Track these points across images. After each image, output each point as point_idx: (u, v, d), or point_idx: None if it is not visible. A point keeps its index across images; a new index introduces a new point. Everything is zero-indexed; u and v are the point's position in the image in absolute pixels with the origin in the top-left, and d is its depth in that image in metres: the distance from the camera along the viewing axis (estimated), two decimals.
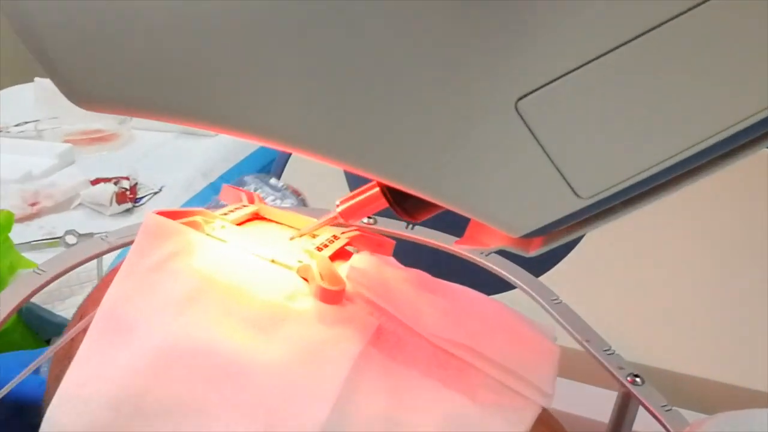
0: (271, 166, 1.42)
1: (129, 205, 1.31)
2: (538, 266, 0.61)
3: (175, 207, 1.41)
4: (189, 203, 1.32)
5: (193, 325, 0.40)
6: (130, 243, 0.45)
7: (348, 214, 0.46)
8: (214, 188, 1.38)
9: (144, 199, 1.34)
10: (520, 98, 0.30)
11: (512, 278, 0.65)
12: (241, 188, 0.55)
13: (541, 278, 0.67)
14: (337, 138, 0.32)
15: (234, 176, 1.42)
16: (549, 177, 0.32)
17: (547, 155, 0.31)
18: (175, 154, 1.52)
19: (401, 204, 0.41)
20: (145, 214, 0.45)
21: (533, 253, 0.36)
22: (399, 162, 0.32)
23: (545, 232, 0.34)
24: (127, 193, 1.30)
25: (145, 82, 0.31)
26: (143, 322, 0.40)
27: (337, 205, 0.46)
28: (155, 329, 0.40)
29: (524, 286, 0.63)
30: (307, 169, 1.21)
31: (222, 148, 1.49)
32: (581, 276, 0.89)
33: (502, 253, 0.51)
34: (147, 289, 0.42)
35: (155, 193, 1.36)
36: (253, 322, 0.41)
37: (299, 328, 0.41)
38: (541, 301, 0.58)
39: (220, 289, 0.42)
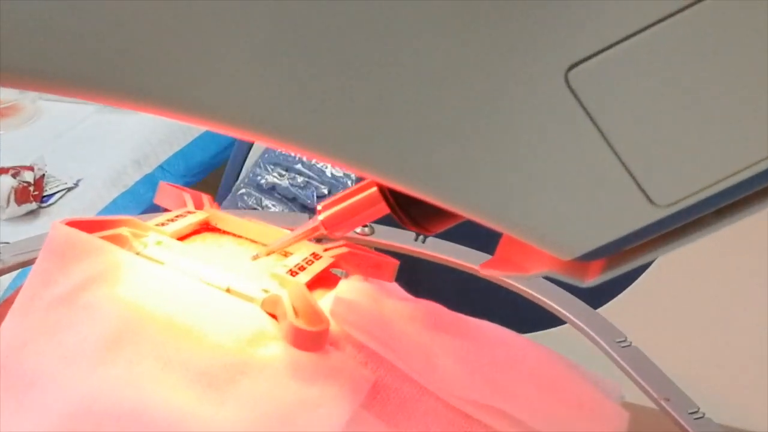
0: (228, 152, 1.42)
1: (33, 205, 1.30)
2: (595, 295, 0.60)
3: (96, 210, 1.42)
4: (117, 204, 1.32)
5: (116, 379, 0.40)
6: (32, 262, 0.46)
7: (333, 224, 0.45)
8: (150, 183, 1.38)
9: (54, 198, 1.34)
10: (571, 67, 0.30)
11: (562, 310, 0.65)
12: (183, 187, 0.55)
13: (601, 310, 0.66)
14: (331, 127, 0.32)
15: (180, 165, 1.43)
16: (614, 178, 0.32)
17: (611, 148, 0.31)
18: (97, 134, 1.52)
19: (408, 210, 0.41)
20: (52, 225, 0.45)
21: (590, 282, 0.37)
22: (412, 158, 0.32)
23: (608, 253, 0.34)
24: (31, 188, 1.30)
25: (56, 44, 0.31)
26: (48, 376, 0.40)
27: (318, 211, 0.46)
28: (65, 386, 0.40)
29: (578, 322, 0.63)
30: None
31: (162, 126, 1.50)
32: (654, 307, 0.89)
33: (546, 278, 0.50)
34: (53, 329, 0.42)
35: (69, 189, 1.35)
36: (201, 376, 0.41)
37: (264, 384, 0.41)
38: (602, 342, 0.58)
39: (154, 330, 0.42)
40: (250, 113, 0.32)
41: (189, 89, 0.32)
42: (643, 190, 0.32)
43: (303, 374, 0.42)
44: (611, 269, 0.36)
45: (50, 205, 1.34)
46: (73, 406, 0.39)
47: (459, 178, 0.33)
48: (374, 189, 0.43)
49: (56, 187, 1.37)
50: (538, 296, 0.67)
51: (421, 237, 0.67)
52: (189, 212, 0.54)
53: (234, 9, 0.30)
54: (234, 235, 0.54)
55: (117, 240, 0.47)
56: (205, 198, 0.55)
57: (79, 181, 1.38)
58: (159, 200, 0.56)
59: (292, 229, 0.51)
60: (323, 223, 0.46)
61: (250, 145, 1.26)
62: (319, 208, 0.46)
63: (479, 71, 0.31)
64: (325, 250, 0.52)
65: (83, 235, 0.45)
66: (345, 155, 0.33)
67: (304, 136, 0.32)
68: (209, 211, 0.55)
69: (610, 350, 0.54)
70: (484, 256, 0.69)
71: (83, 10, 0.30)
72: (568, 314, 0.64)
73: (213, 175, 1.49)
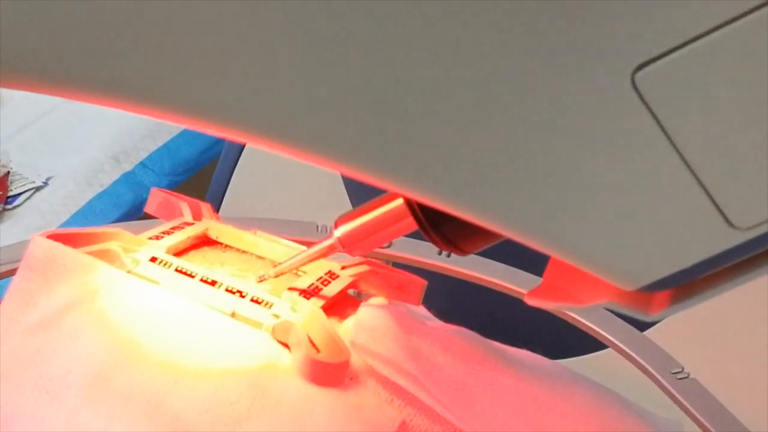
0: (219, 147, 1.42)
1: None
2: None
3: (68, 213, 1.41)
4: (92, 206, 1.32)
5: (105, 420, 0.40)
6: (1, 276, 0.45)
7: (352, 242, 0.45)
8: (131, 182, 1.38)
9: (20, 198, 1.33)
10: (638, 68, 0.30)
11: (605, 334, 0.65)
12: (179, 194, 0.54)
13: (649, 333, 0.66)
14: (353, 136, 0.32)
15: (164, 162, 1.42)
16: (687, 196, 0.32)
17: (684, 161, 0.31)
18: (69, 126, 1.52)
19: (440, 228, 0.40)
20: (31, 239, 0.45)
21: (655, 316, 0.36)
22: (451, 170, 0.32)
23: (676, 283, 0.34)
24: None
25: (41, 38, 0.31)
26: (27, 412, 0.40)
27: (335, 226, 0.45)
28: (46, 426, 0.40)
29: (625, 348, 0.63)
30: (275, 161, 1.21)
31: (144, 117, 1.49)
32: (713, 330, 0.89)
33: None
34: (32, 359, 0.42)
35: (38, 189, 1.35)
36: (202, 415, 0.41)
37: (275, 426, 0.41)
38: (654, 373, 0.57)
39: (147, 364, 0.42)
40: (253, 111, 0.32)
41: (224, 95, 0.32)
42: (720, 211, 0.31)
43: (320, 413, 0.42)
44: (679, 302, 0.35)
45: (15, 207, 1.33)
46: None
47: (506, 192, 0.33)
48: (400, 202, 0.43)
49: (22, 186, 1.36)
50: (576, 317, 0.66)
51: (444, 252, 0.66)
52: (186, 223, 0.54)
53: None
54: (238, 250, 0.54)
55: (106, 256, 0.46)
56: (204, 207, 0.55)
57: (48, 179, 1.38)
58: (151, 209, 0.56)
59: (305, 244, 0.50)
60: (341, 240, 0.45)
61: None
62: (335, 222, 0.46)
63: (536, 73, 0.31)
64: (343, 268, 0.52)
65: (68, 251, 0.45)
66: (374, 165, 0.33)
67: (329, 144, 0.32)
68: (209, 223, 0.54)
69: (665, 383, 0.54)
70: (517, 273, 0.69)
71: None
72: (612, 338, 0.64)
73: (202, 173, 1.49)
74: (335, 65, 0.31)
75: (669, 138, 0.31)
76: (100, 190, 1.36)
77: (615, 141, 0.31)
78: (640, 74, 0.30)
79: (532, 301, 0.41)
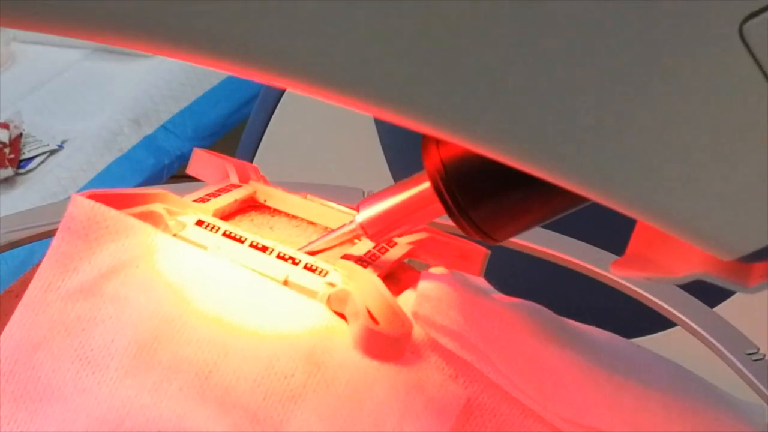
0: (246, 109, 1.42)
1: (9, 171, 1.31)
2: (709, 289, 0.60)
3: (86, 179, 1.41)
4: (111, 172, 1.32)
5: (150, 393, 0.40)
6: (25, 241, 0.46)
7: (376, 228, 0.46)
8: (152, 146, 1.38)
9: (33, 162, 1.34)
10: (747, 19, 0.30)
11: (674, 311, 0.65)
12: (224, 155, 0.54)
13: (718, 310, 0.66)
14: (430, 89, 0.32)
15: (187, 125, 1.43)
16: None
17: None
18: (86, 85, 1.52)
19: (469, 214, 0.41)
20: (71, 199, 0.45)
21: (755, 287, 0.36)
22: (548, 132, 0.32)
23: None
24: (6, 151, 1.30)
25: None
26: (67, 384, 0.41)
27: (358, 210, 0.46)
28: (87, 398, 0.40)
29: (696, 326, 0.63)
30: (307, 123, 1.21)
31: (165, 76, 1.50)
32: None
33: None
34: (73, 327, 0.42)
35: (52, 152, 1.36)
36: (253, 390, 0.41)
37: (332, 402, 0.41)
38: (728, 354, 0.57)
39: (195, 334, 0.42)
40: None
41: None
42: None
43: (379, 390, 0.42)
44: None
45: (29, 171, 1.34)
46: (98, 423, 0.39)
47: (602, 153, 0.33)
48: (426, 185, 0.43)
49: (36, 149, 1.37)
50: (643, 293, 0.66)
51: None
52: (233, 185, 0.54)
53: None
54: (288, 215, 0.54)
55: (150, 218, 0.47)
56: (251, 169, 0.55)
57: (64, 142, 1.38)
58: (193, 170, 0.56)
59: (354, 209, 0.51)
60: (363, 226, 0.46)
61: (277, 100, 1.25)
62: (358, 206, 0.46)
63: (638, 26, 0.30)
64: (400, 234, 0.51)
65: (111, 212, 0.45)
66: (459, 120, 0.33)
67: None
68: (256, 185, 0.55)
69: (739, 365, 0.54)
70: (581, 246, 0.68)
71: None
72: (682, 316, 0.64)
73: (227, 138, 1.49)
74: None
75: None
76: (119, 154, 1.37)
77: (720, 98, 0.31)
78: (748, 25, 0.30)
79: (618, 272, 0.41)
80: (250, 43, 0.32)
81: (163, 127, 1.43)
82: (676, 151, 0.32)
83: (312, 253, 0.49)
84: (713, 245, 0.34)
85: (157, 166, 1.38)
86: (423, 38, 0.31)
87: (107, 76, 1.52)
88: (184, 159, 1.43)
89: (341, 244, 0.49)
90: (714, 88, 0.31)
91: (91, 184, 1.31)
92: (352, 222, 0.46)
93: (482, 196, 0.35)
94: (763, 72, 0.30)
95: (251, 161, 1.29)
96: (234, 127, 1.51)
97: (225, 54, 0.32)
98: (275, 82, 0.33)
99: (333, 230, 0.49)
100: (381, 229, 0.46)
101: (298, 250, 0.49)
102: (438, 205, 0.42)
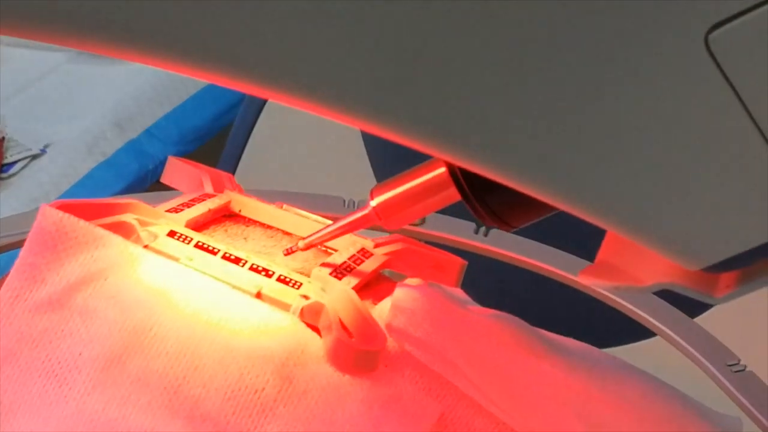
0: (231, 114, 1.41)
1: None
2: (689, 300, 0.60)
3: (68, 183, 1.40)
4: (94, 177, 1.32)
5: (118, 406, 0.40)
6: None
7: (390, 213, 0.45)
8: (135, 151, 1.38)
9: (15, 167, 1.33)
10: (712, 29, 0.30)
11: (654, 321, 0.65)
12: (198, 164, 0.54)
13: (700, 320, 0.65)
14: (399, 98, 0.32)
15: (171, 130, 1.42)
16: (761, 168, 0.31)
17: (758, 129, 0.31)
18: (69, 89, 1.52)
19: (484, 199, 0.40)
20: (40, 209, 0.45)
21: (721, 298, 0.36)
22: (509, 138, 0.32)
23: (745, 263, 0.34)
24: None
25: None
26: (34, 397, 0.40)
27: (372, 195, 0.45)
28: (54, 411, 0.40)
29: (676, 337, 0.62)
30: (293, 128, 1.20)
31: (150, 80, 1.49)
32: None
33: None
34: (40, 339, 0.42)
35: (35, 157, 1.35)
36: (224, 403, 0.41)
37: (303, 416, 0.41)
38: (709, 366, 0.57)
39: (165, 347, 0.42)
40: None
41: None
42: None
43: (352, 404, 0.42)
44: (747, 283, 0.35)
45: (11, 176, 1.33)
46: None
47: (567, 162, 0.33)
48: (442, 170, 0.42)
49: (18, 153, 1.36)
50: (623, 302, 0.66)
51: (482, 229, 0.66)
52: (207, 195, 0.53)
53: None
54: (263, 225, 0.54)
55: (121, 229, 0.46)
56: (226, 178, 0.54)
57: (46, 146, 1.37)
58: (167, 179, 0.56)
59: (336, 219, 0.50)
60: (377, 211, 0.45)
61: (262, 105, 1.25)
62: (371, 192, 0.45)
63: (605, 35, 0.30)
64: (376, 246, 0.51)
65: (80, 223, 0.45)
66: (425, 130, 0.33)
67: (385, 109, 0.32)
68: (231, 195, 0.54)
69: (720, 376, 0.53)
70: (559, 254, 0.68)
71: None
72: (661, 326, 0.63)
73: (212, 143, 1.49)
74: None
75: (744, 105, 0.30)
76: (102, 159, 1.35)
77: (685, 107, 0.31)
78: (714, 35, 0.29)
79: (586, 280, 0.41)
80: (236, 53, 0.32)
81: (147, 132, 1.42)
82: (643, 161, 0.32)
83: (318, 243, 0.49)
84: (680, 255, 0.34)
85: (141, 171, 1.37)
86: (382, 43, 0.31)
87: (91, 80, 1.51)
88: None
89: (352, 230, 0.48)
90: (680, 99, 0.31)
91: (74, 189, 1.30)
92: (366, 207, 0.45)
93: (493, 184, 0.34)
94: (729, 82, 0.30)
95: (235, 166, 1.29)
96: (219, 132, 1.50)
97: (195, 60, 0.32)
98: (260, 93, 0.34)
99: (345, 216, 0.48)
100: (394, 214, 0.45)
101: (306, 238, 0.49)
102: (453, 190, 0.41)
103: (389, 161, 1.08)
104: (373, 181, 1.12)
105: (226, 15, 0.31)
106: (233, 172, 1.29)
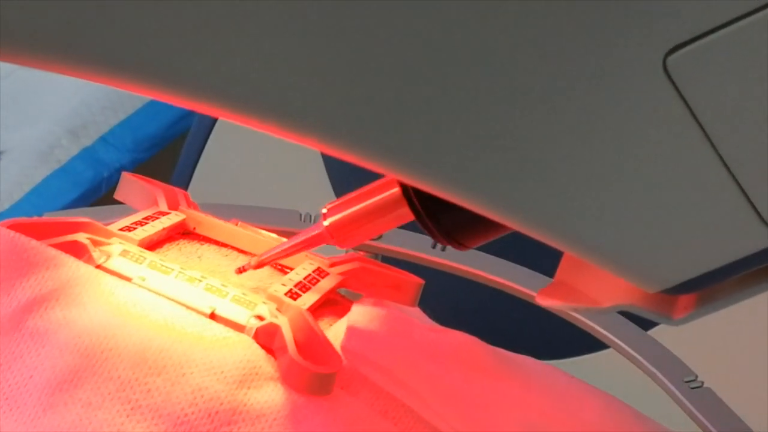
0: (187, 121, 1.41)
1: None
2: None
3: (21, 192, 1.40)
4: (48, 185, 1.31)
5: (71, 427, 0.39)
6: None
7: (343, 232, 0.45)
8: (90, 158, 1.36)
9: None
10: (670, 52, 0.30)
11: (609, 334, 0.65)
12: (153, 180, 0.54)
13: (654, 333, 0.66)
14: (357, 118, 0.32)
15: (126, 137, 1.41)
16: (718, 191, 0.32)
17: (716, 152, 0.31)
18: (22, 95, 1.50)
19: (437, 218, 0.40)
20: None
21: (679, 320, 0.37)
22: (461, 157, 0.32)
23: (703, 285, 0.34)
24: None
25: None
26: None
27: (324, 215, 0.45)
28: None
29: (632, 351, 0.63)
30: (250, 136, 1.20)
31: (104, 86, 1.46)
32: (728, 331, 0.89)
33: None
34: None
35: None
36: (177, 427, 0.40)
37: None
38: (666, 381, 0.57)
39: (119, 366, 0.41)
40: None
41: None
42: (754, 208, 0.32)
43: (308, 427, 0.41)
44: (706, 305, 0.36)
45: None
46: None
47: (522, 183, 0.33)
48: (395, 189, 0.42)
49: None
50: (578, 316, 0.66)
51: (440, 244, 0.66)
52: (161, 213, 0.53)
53: None
54: (217, 243, 0.53)
55: (73, 249, 0.46)
56: (181, 195, 0.54)
57: (0, 154, 1.36)
58: (121, 195, 0.55)
59: (286, 234, 0.50)
60: (329, 230, 0.45)
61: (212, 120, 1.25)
62: (324, 211, 0.45)
63: (561, 56, 0.30)
64: (332, 265, 0.51)
65: (31, 243, 0.45)
66: (376, 148, 0.33)
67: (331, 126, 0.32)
68: (186, 212, 0.54)
69: (677, 393, 0.54)
70: (516, 269, 0.68)
71: None
72: (617, 341, 0.64)
73: (168, 150, 1.48)
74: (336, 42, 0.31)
75: (702, 128, 0.31)
76: (56, 166, 1.34)
77: (643, 130, 0.31)
78: (672, 58, 0.30)
79: (543, 301, 0.41)
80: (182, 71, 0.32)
81: (102, 139, 1.41)
82: (600, 183, 0.32)
83: (271, 261, 0.49)
84: (638, 277, 0.34)
85: (96, 179, 1.36)
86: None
87: (45, 87, 1.50)
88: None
89: (305, 248, 0.48)
90: (638, 121, 0.31)
91: (28, 197, 1.29)
92: (318, 226, 0.45)
93: (447, 203, 0.34)
94: (688, 105, 0.30)
95: (191, 175, 1.28)
96: (175, 139, 1.49)
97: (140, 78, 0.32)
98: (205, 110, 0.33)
99: (297, 234, 0.47)
100: (347, 234, 0.45)
101: (258, 257, 0.49)
102: (406, 210, 0.41)
103: (347, 172, 1.08)
104: (332, 192, 1.12)
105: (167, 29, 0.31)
106: (189, 180, 1.28)
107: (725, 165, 0.31)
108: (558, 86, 0.31)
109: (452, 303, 0.62)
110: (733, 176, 0.31)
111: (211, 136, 1.27)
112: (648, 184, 0.32)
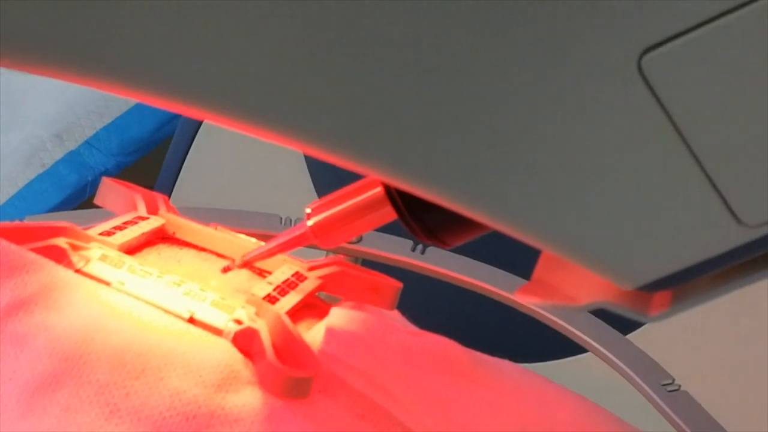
0: (173, 123, 1.41)
1: None
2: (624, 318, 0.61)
3: (6, 195, 1.39)
4: (33, 188, 1.30)
5: (50, 430, 0.39)
6: None
7: (326, 232, 0.45)
8: (75, 162, 1.36)
9: None
10: (646, 52, 0.30)
11: (587, 338, 0.65)
12: (132, 185, 0.53)
13: (633, 337, 0.66)
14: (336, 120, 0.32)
15: (112, 141, 1.40)
16: (693, 189, 0.32)
17: (691, 152, 0.31)
18: (7, 98, 1.50)
19: (420, 217, 0.40)
20: None
21: (655, 317, 0.36)
22: (440, 156, 0.32)
23: (678, 282, 0.34)
24: None
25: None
26: None
27: (308, 215, 0.45)
28: None
29: (610, 355, 0.63)
30: (235, 138, 1.20)
31: (90, 90, 1.46)
32: (706, 335, 0.89)
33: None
34: None
35: None
36: (156, 430, 0.40)
37: None
38: (643, 385, 0.57)
39: (98, 370, 0.41)
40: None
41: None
42: (728, 206, 0.32)
43: (284, 430, 0.41)
44: (680, 302, 0.36)
45: None
46: None
47: (498, 181, 0.33)
48: (378, 188, 0.42)
49: None
50: (556, 320, 0.66)
51: (419, 247, 0.66)
52: (140, 218, 0.53)
53: None
54: (196, 247, 0.53)
55: (52, 253, 0.46)
56: (160, 200, 0.54)
57: None
58: (101, 200, 0.55)
59: (266, 237, 0.50)
60: (313, 230, 0.44)
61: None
62: (308, 210, 0.45)
63: (536, 56, 0.31)
64: (310, 269, 0.51)
65: (11, 247, 0.44)
66: (353, 149, 0.33)
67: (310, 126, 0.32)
68: (165, 217, 0.54)
69: (655, 396, 0.54)
70: (495, 272, 0.68)
71: None
72: (595, 344, 0.64)
73: (153, 154, 1.48)
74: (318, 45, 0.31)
75: (676, 127, 0.31)
76: (41, 170, 1.34)
77: (617, 129, 0.31)
78: (647, 58, 0.30)
79: (522, 298, 0.41)
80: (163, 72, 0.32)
81: (87, 143, 1.40)
82: (575, 181, 0.32)
83: (255, 260, 0.49)
84: (613, 274, 0.34)
85: (81, 183, 1.35)
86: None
87: (30, 89, 1.49)
88: (108, 176, 1.41)
89: (288, 248, 0.48)
90: (612, 121, 0.31)
91: (12, 201, 1.28)
92: (301, 226, 0.45)
93: (429, 203, 0.34)
94: (662, 105, 0.30)
95: (175, 178, 1.28)
96: (160, 143, 1.49)
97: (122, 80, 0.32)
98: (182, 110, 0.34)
99: (281, 234, 0.47)
100: (331, 233, 0.44)
101: (242, 256, 0.49)
102: (389, 209, 0.41)
103: (331, 176, 1.08)
104: (316, 196, 1.12)
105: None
106: (174, 183, 1.28)
107: (699, 163, 0.31)
108: (532, 86, 0.31)
109: (432, 306, 0.62)
110: (707, 174, 0.31)
111: (196, 140, 1.26)
112: (622, 183, 0.32)
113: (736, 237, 0.32)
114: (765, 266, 0.34)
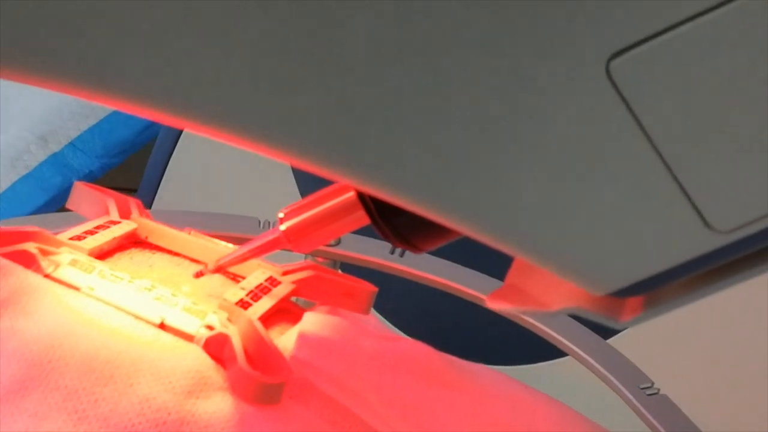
0: (156, 127, 1.40)
1: None
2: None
3: None
4: (16, 190, 1.30)
5: None
6: None
7: (299, 236, 0.44)
8: (59, 164, 1.35)
9: None
10: (613, 57, 0.30)
11: (568, 343, 0.65)
12: (104, 189, 0.53)
13: (613, 342, 0.66)
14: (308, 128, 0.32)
15: (96, 143, 1.40)
16: (662, 195, 0.32)
17: (660, 157, 0.31)
18: None
19: (392, 222, 0.40)
20: None
21: (626, 323, 0.37)
22: (408, 161, 0.32)
23: (650, 288, 0.34)
24: None
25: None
26: None
27: (280, 219, 0.44)
28: None
29: (591, 360, 0.62)
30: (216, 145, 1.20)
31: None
32: (684, 340, 0.89)
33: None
34: None
35: None
36: None
37: None
38: (622, 389, 0.56)
39: (67, 375, 0.41)
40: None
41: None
42: (698, 212, 0.32)
43: None
44: (653, 308, 0.36)
45: None
46: None
47: (467, 188, 0.33)
48: (351, 193, 0.42)
49: None
50: (536, 323, 0.66)
51: (398, 250, 0.65)
52: (112, 222, 0.52)
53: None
54: (169, 252, 0.53)
55: (21, 258, 0.45)
56: (133, 204, 0.53)
57: None
58: (73, 204, 0.55)
59: (244, 241, 0.50)
60: (286, 234, 0.44)
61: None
62: (280, 215, 0.45)
63: (503, 60, 0.31)
64: (284, 273, 0.51)
65: None
66: (321, 156, 0.33)
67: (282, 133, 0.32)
68: (138, 221, 0.53)
69: (634, 400, 0.53)
70: (474, 275, 0.68)
71: None
72: (574, 348, 0.63)
73: (137, 156, 1.47)
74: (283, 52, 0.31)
75: (645, 132, 0.31)
76: (25, 172, 1.34)
77: (586, 134, 0.31)
78: (615, 63, 0.30)
79: (493, 304, 0.41)
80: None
81: (71, 145, 1.40)
82: (544, 187, 0.32)
83: (228, 265, 0.48)
84: (584, 280, 0.34)
85: (65, 185, 1.35)
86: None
87: (13, 91, 1.49)
88: (93, 178, 1.41)
89: (261, 253, 0.47)
90: (580, 126, 0.31)
91: None
92: (275, 230, 0.45)
93: (401, 208, 0.34)
94: (630, 110, 0.30)
95: (160, 180, 1.28)
96: (144, 145, 1.49)
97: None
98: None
99: (254, 239, 0.47)
100: (304, 238, 0.44)
101: (216, 261, 0.48)
102: (362, 214, 0.41)
103: (316, 179, 1.09)
104: (299, 197, 1.11)
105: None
106: (157, 185, 1.28)
107: (669, 169, 0.31)
108: (501, 92, 0.31)
109: (411, 308, 0.62)
110: (677, 180, 0.31)
111: (180, 141, 1.26)
112: (592, 188, 0.32)
113: (707, 243, 0.32)
114: (736, 272, 0.34)
